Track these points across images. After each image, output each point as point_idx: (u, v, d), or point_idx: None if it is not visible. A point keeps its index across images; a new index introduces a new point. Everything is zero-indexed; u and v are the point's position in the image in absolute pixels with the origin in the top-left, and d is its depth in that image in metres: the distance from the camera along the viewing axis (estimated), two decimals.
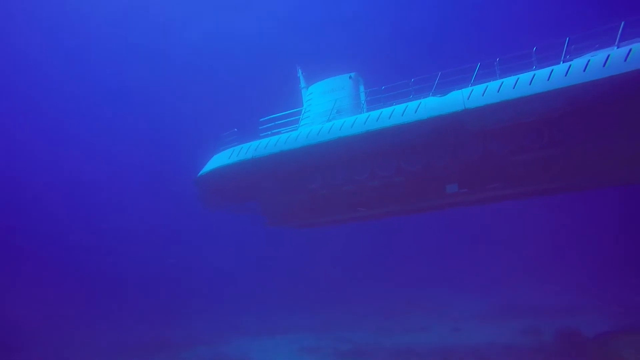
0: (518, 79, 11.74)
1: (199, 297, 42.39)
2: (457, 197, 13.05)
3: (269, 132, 15.78)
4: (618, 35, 11.19)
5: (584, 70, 10.87)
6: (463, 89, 12.53)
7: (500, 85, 11.87)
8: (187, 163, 22.49)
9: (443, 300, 32.25)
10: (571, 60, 11.61)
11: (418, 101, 13.08)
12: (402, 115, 12.95)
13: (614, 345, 13.44)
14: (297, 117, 16.07)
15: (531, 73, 11.69)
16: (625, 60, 10.45)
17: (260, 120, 16.01)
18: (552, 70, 11.34)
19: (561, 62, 11.72)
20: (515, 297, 29.30)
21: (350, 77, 15.57)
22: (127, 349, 24.53)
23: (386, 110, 13.41)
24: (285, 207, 15.37)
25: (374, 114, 13.57)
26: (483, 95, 12.02)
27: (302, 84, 17.14)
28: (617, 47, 11.02)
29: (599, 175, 11.49)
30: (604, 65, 10.68)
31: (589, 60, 10.95)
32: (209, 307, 38.53)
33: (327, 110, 15.02)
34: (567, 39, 11.92)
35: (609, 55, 10.70)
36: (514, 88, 11.62)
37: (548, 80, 11.24)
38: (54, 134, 64.24)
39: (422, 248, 51.27)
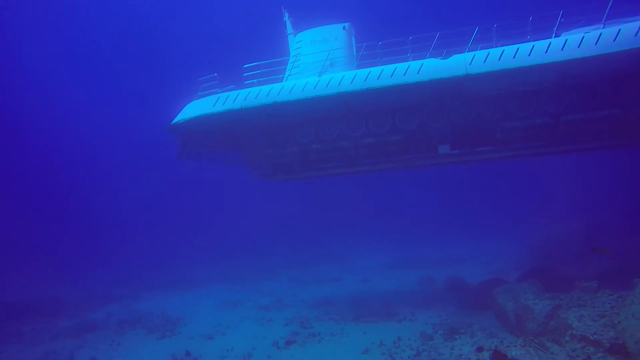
0: (518, 48, 12.17)
1: (102, 251, 40.40)
2: (447, 157, 13.67)
3: (255, 81, 14.80)
4: (605, 14, 12.08)
5: (578, 47, 11.63)
6: (465, 54, 12.69)
7: (502, 54, 12.20)
8: (160, 109, 20.51)
9: (351, 254, 35.13)
10: (561, 34, 12.36)
11: (420, 62, 13.03)
12: (405, 74, 12.89)
13: (490, 291, 15.72)
14: (283, 67, 15.18)
15: (530, 44, 12.17)
16: (614, 40, 11.36)
17: (245, 66, 14.88)
18: (550, 44, 11.92)
19: (553, 36, 12.38)
20: (411, 252, 32.85)
21: (344, 28, 14.93)
22: (14, 310, 22.29)
23: (388, 68, 13.18)
24: (275, 159, 14.95)
25: (375, 70, 13.29)
26: (485, 62, 12.32)
27: (289, 30, 16.04)
28: (604, 26, 11.91)
29: (579, 143, 12.76)
30: (595, 43, 11.52)
31: (583, 37, 11.70)
32: (115, 263, 36.96)
33: (320, 61, 14.38)
34: (561, 12, 12.58)
35: (600, 34, 11.50)
36: (514, 57, 12.05)
37: (546, 52, 11.83)
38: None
39: (337, 207, 53.07)
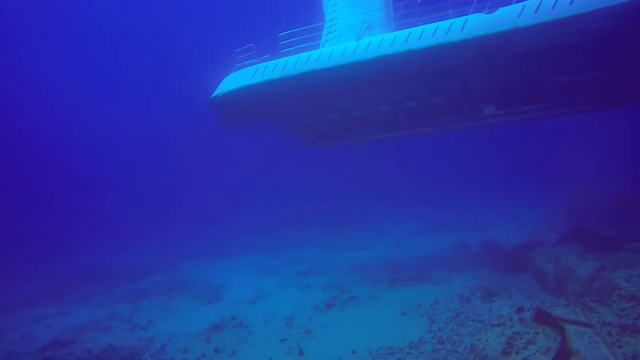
0: None
1: (143, 228, 41.81)
2: (493, 118, 13.37)
3: (292, 49, 14.72)
4: None
5: None
6: (513, 5, 11.97)
7: (555, 1, 11.40)
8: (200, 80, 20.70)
9: (383, 221, 35.21)
10: None
11: (464, 18, 12.46)
12: (447, 33, 12.43)
13: (527, 254, 15.59)
14: (319, 33, 15.01)
15: None
16: None
17: (280, 34, 14.80)
18: None
19: None
20: (443, 218, 32.75)
21: None
22: (78, 279, 25.03)
23: (429, 27, 12.72)
24: (316, 128, 14.97)
25: (416, 31, 12.87)
26: (536, 12, 11.54)
27: None
28: None
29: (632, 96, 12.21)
30: None
31: None
32: (155, 238, 38.31)
33: (356, 24, 14.17)
34: None
35: None
36: (571, 4, 11.20)
37: None
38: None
39: (368, 174, 52.84)
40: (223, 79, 16.07)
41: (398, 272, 18.32)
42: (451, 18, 13.11)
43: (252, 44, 15.40)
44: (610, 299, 10.48)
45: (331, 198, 44.09)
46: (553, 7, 11.51)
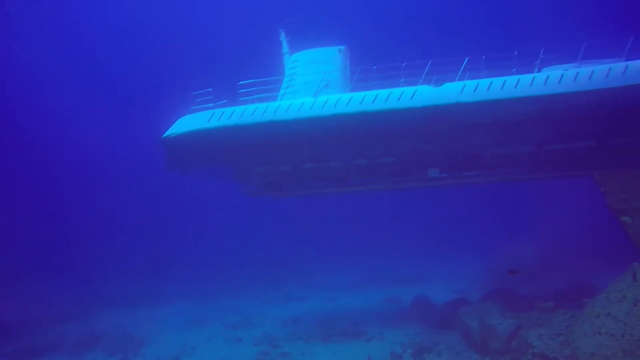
0: (505, 81, 13.20)
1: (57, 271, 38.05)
2: (436, 180, 14.40)
3: (250, 98, 15.07)
4: (580, 54, 13.43)
5: (559, 82, 12.84)
6: (456, 82, 13.61)
7: (490, 85, 13.18)
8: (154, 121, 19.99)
9: (318, 271, 34.90)
10: (542, 69, 13.58)
11: (414, 88, 13.80)
12: (399, 100, 13.59)
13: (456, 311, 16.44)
14: (277, 86, 15.52)
15: (516, 77, 13.26)
16: (589, 78, 12.68)
17: (240, 83, 15.12)
18: (534, 78, 13.08)
19: (536, 71, 13.58)
20: (378, 269, 33.15)
21: (340, 51, 15.55)
22: None
23: (383, 92, 13.88)
24: (267, 177, 15.09)
25: (371, 94, 13.94)
26: (475, 91, 13.22)
27: (285, 49, 16.55)
28: (580, 66, 13.25)
29: (557, 170, 13.86)
30: (574, 80, 12.78)
31: (562, 74, 12.95)
32: (70, 280, 34.85)
33: (315, 82, 14.87)
34: (542, 49, 13.85)
35: (577, 73, 12.79)
36: (501, 89, 13.06)
37: (530, 86, 12.94)
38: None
39: (300, 223, 53.28)
40: (176, 120, 15.96)
41: (332, 326, 18.17)
42: (402, 86, 14.46)
43: (210, 89, 15.55)
44: (526, 357, 11.62)
45: (268, 245, 43.36)
46: (488, 89, 13.29)
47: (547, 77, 13.05)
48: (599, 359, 9.39)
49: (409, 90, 13.91)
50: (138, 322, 22.15)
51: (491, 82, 13.35)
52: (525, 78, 13.23)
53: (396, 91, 13.94)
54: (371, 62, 15.18)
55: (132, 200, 55.24)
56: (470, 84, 13.56)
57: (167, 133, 15.98)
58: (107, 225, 50.57)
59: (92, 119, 61.75)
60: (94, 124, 61.60)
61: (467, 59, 14.10)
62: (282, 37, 16.95)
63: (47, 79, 60.14)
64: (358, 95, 14.19)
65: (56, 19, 60.66)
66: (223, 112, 14.98)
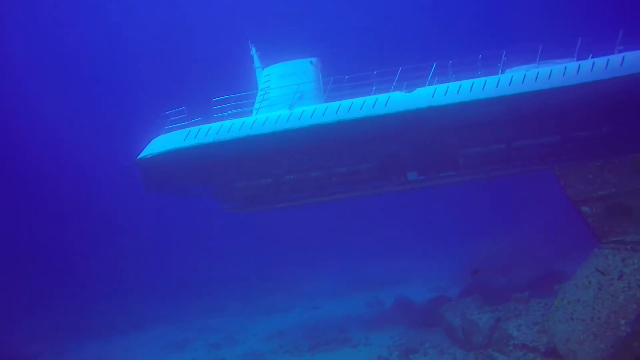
0: (473, 83, 13.88)
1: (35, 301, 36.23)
2: (415, 183, 14.83)
3: (225, 114, 15.06)
4: (538, 55, 14.31)
5: (522, 82, 13.67)
6: (427, 87, 14.19)
7: (459, 87, 13.83)
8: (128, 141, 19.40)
9: (300, 280, 34.86)
10: (505, 71, 14.38)
11: (387, 95, 14.27)
12: (373, 107, 14.01)
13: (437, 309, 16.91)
14: (251, 100, 15.60)
15: (483, 79, 13.99)
16: (548, 78, 13.51)
17: (214, 100, 15.11)
18: (499, 79, 13.85)
19: (499, 72, 14.38)
20: (358, 273, 33.49)
21: (311, 63, 15.82)
22: None
23: (357, 101, 14.27)
24: (247, 192, 15.08)
25: (345, 103, 14.31)
26: (445, 94, 13.83)
27: (257, 63, 16.65)
28: (539, 66, 14.11)
29: (528, 165, 14.57)
30: (535, 79, 13.62)
31: (524, 75, 13.77)
32: (41, 309, 33.20)
33: (289, 94, 15.04)
34: (504, 52, 14.63)
35: (537, 73, 13.68)
36: (470, 91, 13.74)
37: (497, 87, 13.69)
38: None
39: (277, 235, 53.05)
40: (150, 141, 15.73)
41: (317, 335, 18.20)
42: (375, 94, 14.90)
43: (184, 107, 15.42)
44: (507, 348, 12.09)
45: (245, 260, 42.80)
46: (458, 92, 13.93)
47: (512, 77, 13.86)
48: (574, 344, 9.76)
49: (382, 97, 14.35)
50: (118, 350, 21.48)
51: (460, 85, 14.01)
52: (492, 80, 13.97)
53: (370, 99, 14.36)
54: (343, 72, 15.61)
55: (105, 226, 53.43)
56: (441, 87, 14.17)
57: (143, 154, 15.75)
58: (81, 252, 48.88)
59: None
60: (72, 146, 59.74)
61: (435, 64, 14.73)
62: (253, 52, 17.04)
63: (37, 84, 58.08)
64: (333, 105, 14.52)
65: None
66: (199, 130, 14.92)
